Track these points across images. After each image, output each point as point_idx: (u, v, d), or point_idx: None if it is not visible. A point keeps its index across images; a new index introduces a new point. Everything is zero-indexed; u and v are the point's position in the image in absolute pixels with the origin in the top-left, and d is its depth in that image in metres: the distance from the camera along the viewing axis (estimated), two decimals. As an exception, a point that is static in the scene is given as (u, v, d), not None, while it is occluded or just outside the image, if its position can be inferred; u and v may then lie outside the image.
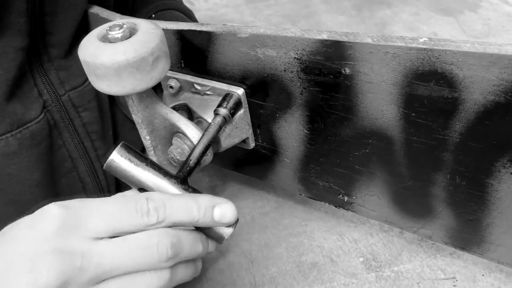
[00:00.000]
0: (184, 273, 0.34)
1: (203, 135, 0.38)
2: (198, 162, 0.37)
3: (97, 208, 0.31)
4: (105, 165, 0.33)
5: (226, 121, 0.39)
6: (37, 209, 0.30)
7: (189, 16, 0.63)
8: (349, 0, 0.98)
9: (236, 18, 0.97)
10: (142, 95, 0.34)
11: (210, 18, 0.98)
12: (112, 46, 0.30)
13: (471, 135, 0.32)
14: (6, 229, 0.30)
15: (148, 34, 0.31)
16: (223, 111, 0.39)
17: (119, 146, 0.33)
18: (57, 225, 0.29)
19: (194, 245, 0.33)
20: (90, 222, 0.30)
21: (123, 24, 0.31)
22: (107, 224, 0.30)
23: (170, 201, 0.32)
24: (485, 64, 0.29)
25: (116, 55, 0.29)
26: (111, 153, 0.33)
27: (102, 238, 0.30)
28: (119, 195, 0.35)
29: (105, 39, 0.31)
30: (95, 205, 0.31)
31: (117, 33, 0.31)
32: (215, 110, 0.39)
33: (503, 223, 0.35)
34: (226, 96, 0.40)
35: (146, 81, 0.31)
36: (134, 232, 0.31)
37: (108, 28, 0.31)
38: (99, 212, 0.30)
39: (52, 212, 0.29)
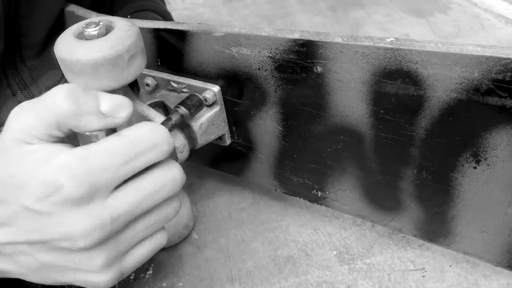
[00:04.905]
0: None
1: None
2: None
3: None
4: None
5: (183, 118, 0.38)
6: None
7: (166, 18, 0.63)
8: (324, 1, 1.00)
9: (213, 18, 0.97)
10: (118, 92, 0.35)
11: (187, 18, 0.98)
12: (88, 43, 0.30)
13: (436, 131, 0.34)
14: None
15: (124, 31, 0.31)
16: (182, 109, 0.38)
17: None
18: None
19: None
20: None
21: (99, 21, 0.32)
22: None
23: None
24: (448, 63, 0.30)
25: (92, 52, 0.30)
26: None
27: None
28: None
29: (81, 36, 0.32)
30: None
31: (93, 30, 0.31)
32: (174, 107, 0.38)
33: (467, 215, 0.37)
34: (190, 96, 0.40)
35: (123, 78, 0.32)
36: None
37: (84, 26, 0.31)
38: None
39: None
